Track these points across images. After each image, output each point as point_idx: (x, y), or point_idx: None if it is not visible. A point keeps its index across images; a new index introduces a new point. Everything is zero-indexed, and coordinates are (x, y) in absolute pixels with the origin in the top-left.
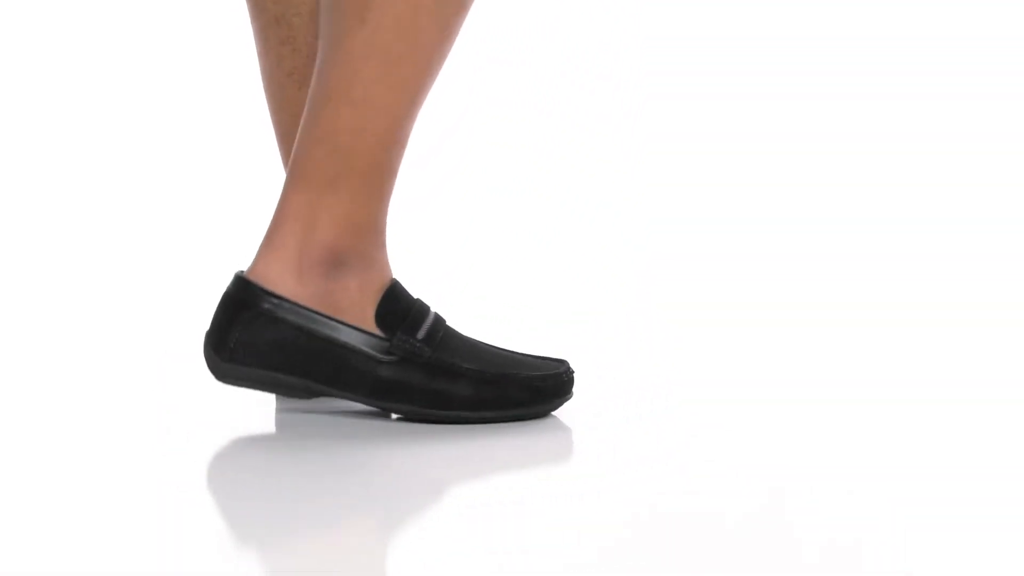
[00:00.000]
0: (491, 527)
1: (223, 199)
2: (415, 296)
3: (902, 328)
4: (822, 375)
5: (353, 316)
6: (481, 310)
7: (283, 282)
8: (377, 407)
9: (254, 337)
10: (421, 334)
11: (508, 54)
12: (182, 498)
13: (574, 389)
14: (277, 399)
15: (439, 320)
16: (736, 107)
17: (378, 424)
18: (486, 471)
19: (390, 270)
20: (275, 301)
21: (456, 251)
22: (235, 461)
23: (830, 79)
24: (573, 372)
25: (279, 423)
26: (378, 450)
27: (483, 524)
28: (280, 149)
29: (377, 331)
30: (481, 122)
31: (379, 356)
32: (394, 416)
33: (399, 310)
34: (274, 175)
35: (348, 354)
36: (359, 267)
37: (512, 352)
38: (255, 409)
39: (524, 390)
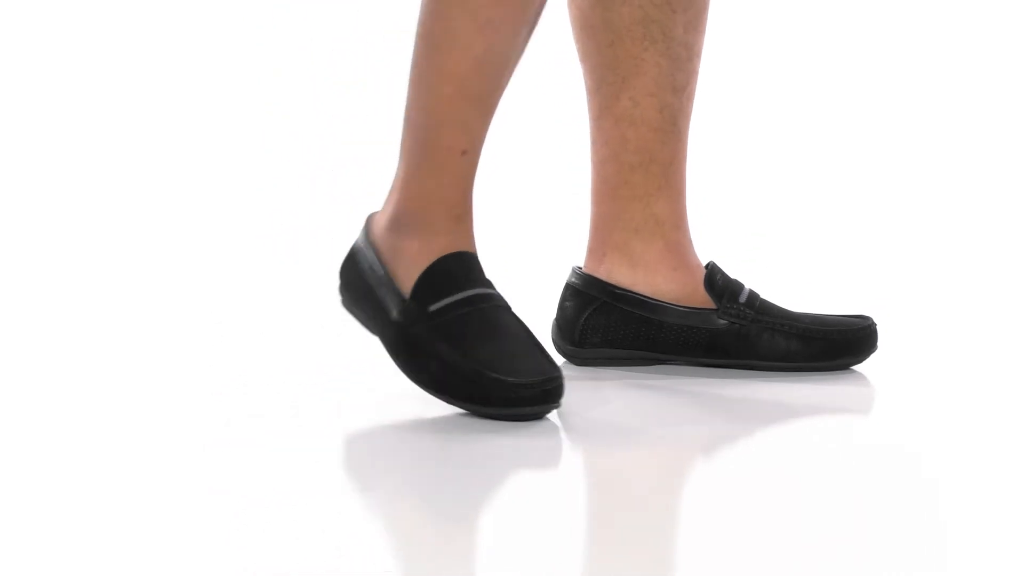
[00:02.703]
0: (490, 527)
1: (225, 199)
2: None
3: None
4: (822, 378)
5: (401, 275)
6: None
7: (377, 233)
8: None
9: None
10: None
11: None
12: (182, 498)
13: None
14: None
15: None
16: (735, 108)
17: (376, 425)
18: (484, 471)
19: (465, 242)
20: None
21: None
22: (235, 461)
23: (830, 79)
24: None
25: (279, 423)
26: (377, 450)
27: (482, 524)
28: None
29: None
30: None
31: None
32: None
33: (448, 282)
34: (274, 174)
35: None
36: (418, 232)
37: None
38: (256, 409)
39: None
